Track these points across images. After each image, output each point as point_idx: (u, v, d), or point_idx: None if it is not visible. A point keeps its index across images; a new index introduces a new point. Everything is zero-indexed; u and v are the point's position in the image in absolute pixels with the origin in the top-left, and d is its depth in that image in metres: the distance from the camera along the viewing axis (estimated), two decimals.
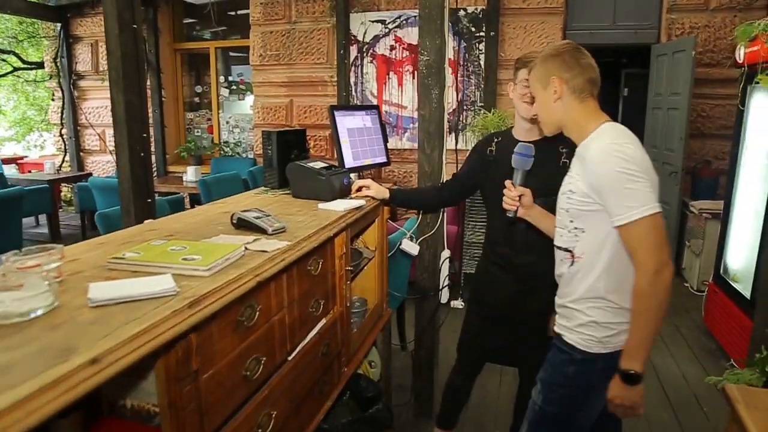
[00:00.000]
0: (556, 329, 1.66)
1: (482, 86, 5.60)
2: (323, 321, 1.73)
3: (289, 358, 1.52)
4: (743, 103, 3.45)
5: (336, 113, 2.39)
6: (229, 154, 7.26)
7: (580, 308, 1.55)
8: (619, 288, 1.49)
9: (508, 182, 1.82)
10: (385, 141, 2.67)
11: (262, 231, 1.52)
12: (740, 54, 3.37)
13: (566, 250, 1.59)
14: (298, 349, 1.54)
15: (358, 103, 5.99)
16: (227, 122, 7.36)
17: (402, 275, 2.97)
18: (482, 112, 5.31)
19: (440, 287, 2.64)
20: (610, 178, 1.40)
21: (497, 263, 2.23)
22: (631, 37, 5.24)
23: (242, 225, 1.57)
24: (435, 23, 2.35)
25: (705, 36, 5.07)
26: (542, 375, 1.68)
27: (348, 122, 2.45)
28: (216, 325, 1.11)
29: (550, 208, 1.80)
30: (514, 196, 1.81)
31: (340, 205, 1.92)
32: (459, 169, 2.34)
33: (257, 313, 1.27)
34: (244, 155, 7.22)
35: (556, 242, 1.65)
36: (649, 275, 1.38)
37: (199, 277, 1.13)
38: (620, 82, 8.22)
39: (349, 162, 2.39)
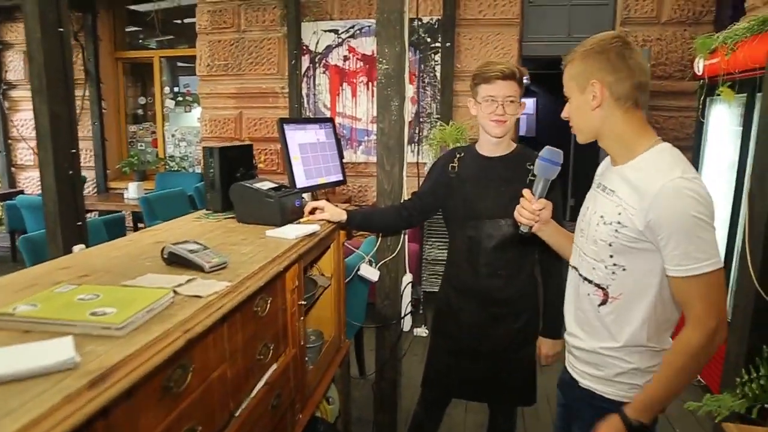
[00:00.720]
0: (581, 380, 1.45)
1: (438, 98, 5.47)
2: (274, 366, 1.50)
3: (236, 415, 1.29)
4: (703, 115, 3.42)
5: (286, 127, 2.17)
6: (175, 169, 6.89)
7: (617, 354, 1.36)
8: (660, 332, 1.34)
9: (527, 192, 1.53)
10: (341, 157, 2.46)
11: (198, 268, 1.29)
12: (699, 66, 3.33)
13: (599, 286, 1.37)
14: (243, 407, 1.30)
15: (311, 116, 5.76)
16: (173, 135, 6.99)
17: (360, 302, 2.76)
18: (439, 124, 5.17)
19: (402, 315, 2.44)
20: (680, 222, 1.20)
21: (459, 289, 2.05)
22: None
23: (175, 260, 1.33)
24: (394, 29, 2.17)
25: (657, 49, 5.09)
26: None
27: (299, 137, 2.24)
28: (134, 400, 0.88)
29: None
30: (535, 210, 1.50)
31: (292, 232, 1.70)
32: (419, 187, 2.16)
33: (190, 373, 1.04)
34: (190, 170, 6.86)
35: (586, 274, 1.41)
36: (708, 334, 1.21)
37: (110, 338, 0.89)
38: None
39: (301, 181, 2.17)
